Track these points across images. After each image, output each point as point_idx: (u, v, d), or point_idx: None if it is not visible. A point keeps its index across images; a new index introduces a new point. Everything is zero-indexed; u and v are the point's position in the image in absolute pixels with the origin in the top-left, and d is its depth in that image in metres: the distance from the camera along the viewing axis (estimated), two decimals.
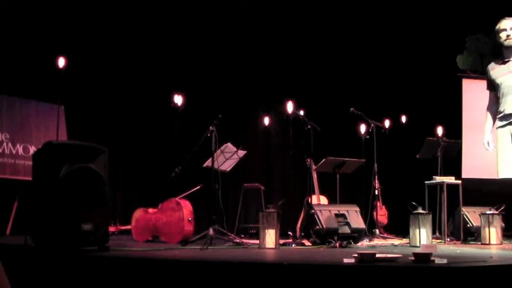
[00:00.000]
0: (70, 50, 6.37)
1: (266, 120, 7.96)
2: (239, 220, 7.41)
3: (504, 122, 4.57)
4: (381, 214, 7.79)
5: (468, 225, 6.33)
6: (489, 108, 4.86)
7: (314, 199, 6.60)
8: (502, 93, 4.61)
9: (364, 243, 5.71)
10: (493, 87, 4.74)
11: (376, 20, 8.22)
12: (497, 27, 4.60)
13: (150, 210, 5.72)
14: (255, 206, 7.33)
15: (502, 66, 4.66)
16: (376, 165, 7.22)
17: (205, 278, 3.23)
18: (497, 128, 4.67)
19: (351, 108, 7.00)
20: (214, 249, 4.69)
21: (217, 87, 7.99)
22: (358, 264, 3.08)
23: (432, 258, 3.15)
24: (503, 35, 4.56)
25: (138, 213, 5.81)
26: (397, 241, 6.05)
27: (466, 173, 6.80)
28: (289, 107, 6.23)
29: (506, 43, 4.56)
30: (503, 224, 5.86)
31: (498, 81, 4.64)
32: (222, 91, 7.97)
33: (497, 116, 4.66)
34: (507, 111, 4.57)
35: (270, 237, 4.83)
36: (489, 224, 5.71)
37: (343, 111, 7.21)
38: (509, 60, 4.62)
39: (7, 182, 6.57)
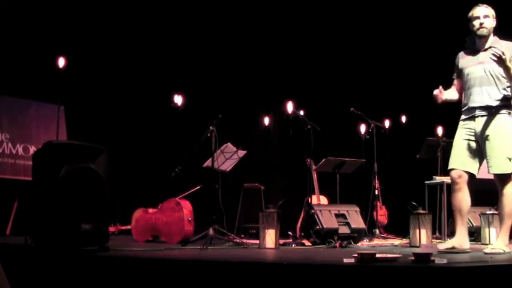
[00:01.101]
0: (70, 50, 6.37)
1: (266, 120, 7.96)
2: (239, 220, 7.42)
3: (467, 116, 4.34)
4: (381, 214, 7.79)
5: (468, 225, 6.32)
6: (450, 89, 4.55)
7: (314, 199, 6.60)
8: (468, 85, 4.32)
9: (364, 243, 5.71)
10: (460, 77, 4.48)
11: (376, 20, 8.22)
12: (470, 14, 4.31)
13: (150, 210, 5.72)
14: (255, 206, 7.33)
15: (472, 56, 4.34)
16: (376, 165, 7.22)
17: (205, 278, 3.22)
18: (460, 120, 4.42)
19: (351, 108, 6.99)
20: (214, 249, 4.68)
21: (217, 87, 8.00)
22: (358, 264, 3.08)
23: (432, 258, 3.15)
24: (476, 23, 4.26)
25: (138, 213, 5.81)
26: (397, 241, 6.05)
27: None
28: (289, 107, 6.23)
29: (479, 32, 4.27)
30: None
31: (466, 71, 4.35)
32: (222, 91, 7.98)
33: (462, 109, 4.42)
34: (471, 105, 4.28)
35: (270, 237, 4.83)
36: (489, 224, 5.71)
37: (343, 111, 7.20)
38: (479, 51, 4.30)
39: (7, 182, 6.58)
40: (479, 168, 4.31)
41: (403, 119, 7.85)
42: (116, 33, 7.48)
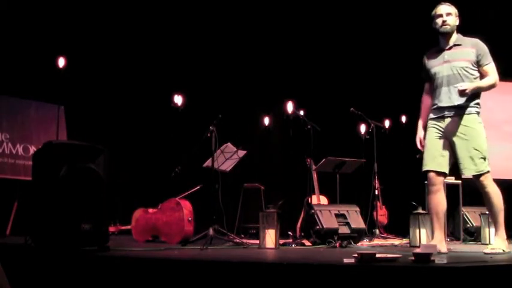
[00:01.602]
0: (70, 50, 6.38)
1: (266, 120, 7.97)
2: (239, 220, 7.41)
3: (436, 115, 4.27)
4: (381, 214, 7.79)
5: (468, 225, 6.33)
6: (423, 101, 4.53)
7: (314, 199, 6.60)
8: (437, 84, 4.29)
9: (364, 243, 5.71)
10: (429, 78, 4.42)
11: (376, 20, 8.22)
12: (433, 12, 4.31)
13: (150, 210, 5.72)
14: (255, 206, 7.33)
15: (438, 55, 4.33)
16: (376, 165, 7.22)
17: (205, 278, 3.22)
18: (429, 119, 4.37)
19: (351, 108, 7.00)
20: (214, 249, 4.68)
21: (217, 87, 8.00)
22: (358, 264, 3.08)
23: (432, 258, 3.15)
24: (439, 21, 4.24)
25: (138, 213, 5.81)
26: (397, 241, 6.05)
27: None
28: (289, 107, 6.23)
29: (442, 29, 4.23)
30: None
31: (433, 71, 4.32)
32: (222, 91, 7.98)
33: (431, 108, 4.35)
34: (440, 104, 4.25)
35: (270, 237, 4.83)
36: (489, 224, 5.71)
37: (343, 111, 7.21)
38: (444, 49, 4.29)
39: (7, 182, 6.58)
40: (450, 166, 4.29)
41: (403, 119, 7.85)
42: (115, 33, 7.48)
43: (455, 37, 4.30)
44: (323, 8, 8.21)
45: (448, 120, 4.22)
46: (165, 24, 7.79)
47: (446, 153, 4.23)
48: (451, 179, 6.36)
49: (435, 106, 4.32)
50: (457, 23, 4.30)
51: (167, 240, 5.46)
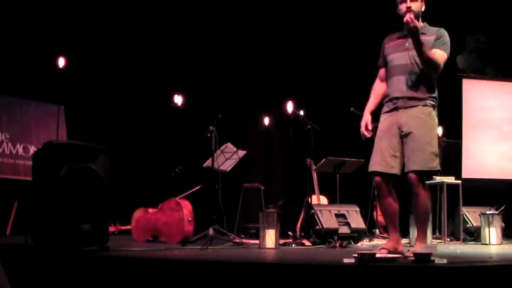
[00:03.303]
0: (70, 50, 6.38)
1: (266, 120, 7.97)
2: (239, 220, 7.42)
3: (389, 108, 3.92)
4: (381, 214, 7.78)
5: (468, 225, 6.33)
6: (375, 86, 4.20)
7: (314, 199, 6.60)
8: (391, 73, 3.92)
9: (364, 243, 5.71)
10: (385, 63, 4.07)
11: (375, 20, 8.21)
12: None
13: (150, 210, 5.72)
14: (255, 206, 7.33)
15: (399, 41, 3.96)
16: None
17: (205, 278, 3.22)
18: (382, 113, 4.00)
19: (351, 108, 6.98)
20: (214, 249, 4.69)
21: (217, 87, 8.00)
22: (358, 264, 3.08)
23: (432, 258, 3.15)
24: (403, 7, 3.83)
25: (138, 213, 5.81)
26: None
27: (466, 173, 6.82)
28: (289, 107, 6.24)
29: None
30: (503, 224, 5.86)
31: (389, 57, 3.97)
32: (222, 91, 7.98)
33: (384, 101, 3.99)
34: (394, 94, 3.88)
35: (270, 237, 4.83)
36: (489, 224, 5.71)
37: (343, 111, 7.20)
38: (407, 36, 3.87)
39: (7, 182, 6.58)
40: (402, 168, 3.91)
41: None
42: (116, 33, 7.48)
43: (420, 25, 3.84)
44: (323, 9, 8.21)
45: (402, 112, 3.85)
46: (165, 24, 7.79)
47: (399, 153, 3.88)
48: (451, 179, 6.36)
49: (388, 98, 3.96)
50: (423, 9, 3.92)
51: (167, 240, 5.46)
